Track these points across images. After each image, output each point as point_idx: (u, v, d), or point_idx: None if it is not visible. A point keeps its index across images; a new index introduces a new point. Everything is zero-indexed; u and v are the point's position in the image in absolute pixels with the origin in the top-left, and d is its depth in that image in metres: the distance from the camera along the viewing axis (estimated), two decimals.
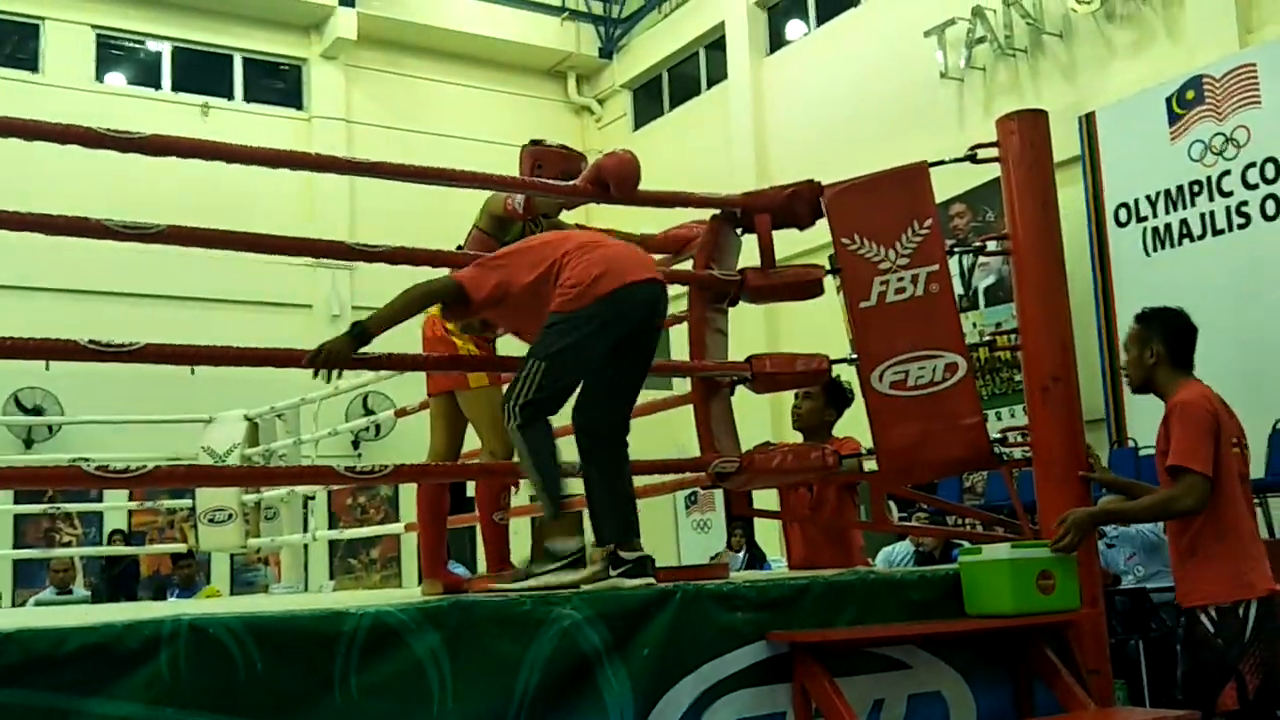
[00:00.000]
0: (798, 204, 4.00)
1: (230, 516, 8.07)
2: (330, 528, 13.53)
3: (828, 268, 4.11)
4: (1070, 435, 3.82)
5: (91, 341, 2.86)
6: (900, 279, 3.93)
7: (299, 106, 17.07)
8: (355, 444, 14.12)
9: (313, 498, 8.53)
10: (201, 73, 16.38)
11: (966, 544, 4.31)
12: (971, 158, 4.04)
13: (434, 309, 3.76)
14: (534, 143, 4.11)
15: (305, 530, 8.58)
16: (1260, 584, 3.56)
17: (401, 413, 7.08)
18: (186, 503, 9.06)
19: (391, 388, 12.98)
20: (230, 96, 16.61)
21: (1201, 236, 10.34)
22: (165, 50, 16.31)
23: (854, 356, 3.99)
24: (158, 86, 16.20)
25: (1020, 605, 3.45)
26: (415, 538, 14.28)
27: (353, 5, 16.67)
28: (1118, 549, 6.60)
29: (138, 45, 16.33)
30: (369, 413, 13.31)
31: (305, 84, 17.12)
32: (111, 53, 16.09)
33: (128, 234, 2.97)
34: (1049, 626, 3.54)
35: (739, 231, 4.11)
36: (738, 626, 3.24)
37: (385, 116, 17.09)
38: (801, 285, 4.05)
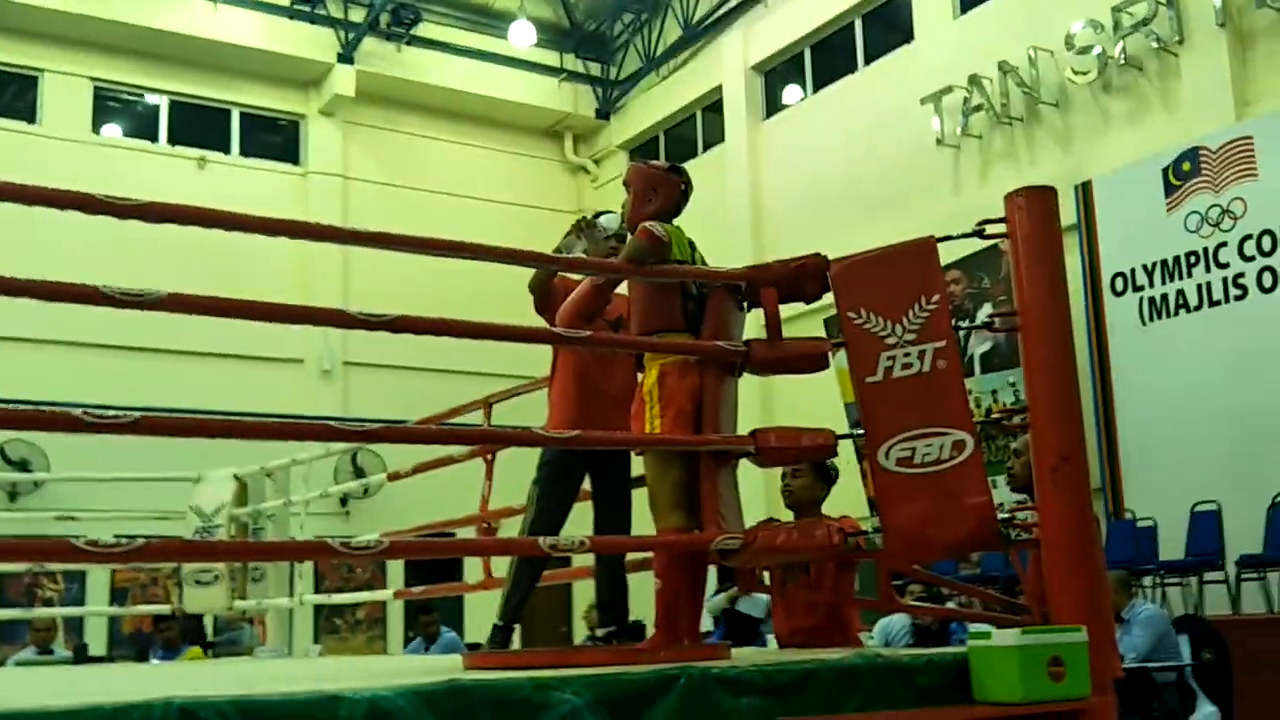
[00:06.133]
0: (804, 278, 3.94)
1: (216, 578, 7.95)
2: (316, 585, 13.42)
3: (831, 340, 4.06)
4: (1081, 515, 3.75)
5: (86, 412, 2.77)
6: (907, 354, 3.87)
7: (295, 161, 17.11)
8: (344, 502, 14.00)
9: None
10: (199, 126, 16.45)
11: (971, 625, 4.23)
12: (980, 233, 4.00)
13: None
14: (645, 162, 4.20)
15: (291, 592, 8.45)
16: None
17: (394, 476, 6.99)
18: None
19: (381, 447, 12.91)
20: (227, 150, 16.67)
21: (1198, 307, 10.35)
22: (163, 103, 16.37)
23: (859, 431, 3.92)
24: (155, 139, 16.26)
25: (1030, 693, 3.37)
26: (401, 604, 13.96)
27: (352, 63, 16.76)
28: (1132, 633, 6.52)
29: (135, 98, 16.39)
30: (359, 472, 13.21)
31: (303, 139, 17.19)
32: (109, 104, 16.16)
33: (126, 301, 2.89)
34: (1059, 714, 3.46)
35: (744, 305, 4.07)
36: (743, 712, 3.14)
37: (382, 173, 17.15)
38: (808, 358, 3.98)
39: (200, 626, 8.80)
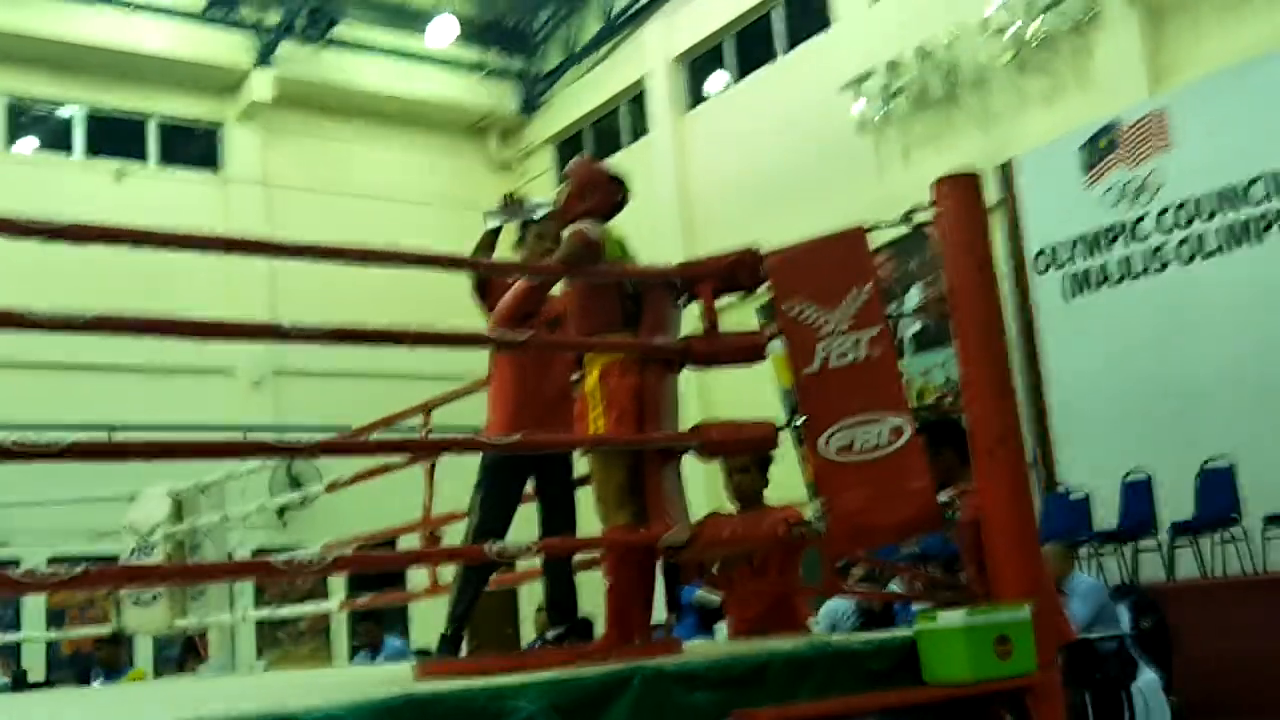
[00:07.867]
0: (739, 271, 3.97)
1: (155, 597, 7.82)
2: (257, 598, 13.26)
3: (767, 331, 4.09)
4: (1019, 494, 3.81)
5: (15, 443, 2.72)
6: (843, 343, 3.90)
7: (215, 169, 16.85)
8: (281, 513, 13.82)
9: None
10: (116, 136, 16.16)
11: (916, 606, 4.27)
12: (907, 220, 4.05)
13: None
14: (593, 161, 4.20)
15: (232, 607, 8.34)
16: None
17: (333, 487, 6.92)
18: None
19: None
20: (145, 160, 16.36)
21: (1120, 281, 10.54)
22: (78, 115, 16.05)
23: (799, 422, 3.95)
24: (70, 151, 15.92)
25: (978, 672, 3.43)
26: (345, 614, 13.76)
27: (269, 67, 16.52)
28: (1072, 605, 6.63)
29: (50, 110, 16.05)
30: (294, 482, 13.07)
31: (222, 147, 16.93)
32: (22, 119, 15.79)
33: (55, 324, 2.84)
34: (1007, 692, 3.52)
35: (680, 301, 4.08)
36: (699, 707, 3.16)
37: (304, 178, 16.93)
38: (746, 350, 4.02)
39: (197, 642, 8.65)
